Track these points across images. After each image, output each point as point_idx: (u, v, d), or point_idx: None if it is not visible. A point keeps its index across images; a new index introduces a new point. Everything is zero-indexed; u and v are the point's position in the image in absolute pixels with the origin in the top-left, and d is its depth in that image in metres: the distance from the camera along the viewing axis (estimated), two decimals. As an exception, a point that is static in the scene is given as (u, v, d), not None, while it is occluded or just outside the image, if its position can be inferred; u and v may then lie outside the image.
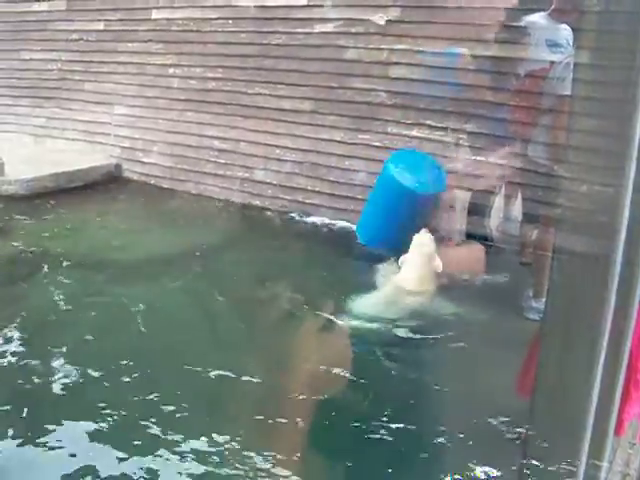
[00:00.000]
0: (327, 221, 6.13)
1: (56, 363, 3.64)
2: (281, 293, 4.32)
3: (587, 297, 1.58)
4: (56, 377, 3.50)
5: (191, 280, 4.95)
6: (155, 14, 7.14)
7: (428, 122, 5.68)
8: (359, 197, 5.97)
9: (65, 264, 5.17)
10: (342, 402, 3.03)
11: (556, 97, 5.00)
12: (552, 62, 4.98)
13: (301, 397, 2.60)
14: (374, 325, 4.14)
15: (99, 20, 7.60)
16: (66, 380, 3.48)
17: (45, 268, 5.15)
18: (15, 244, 5.56)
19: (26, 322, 4.15)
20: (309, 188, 6.26)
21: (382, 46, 5.85)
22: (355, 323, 4.07)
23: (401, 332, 4.09)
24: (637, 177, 1.49)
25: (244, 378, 3.50)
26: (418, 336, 4.06)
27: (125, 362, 3.65)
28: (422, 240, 4.71)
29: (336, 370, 2.72)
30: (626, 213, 1.49)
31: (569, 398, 1.63)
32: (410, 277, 4.60)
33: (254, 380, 3.46)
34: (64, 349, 3.81)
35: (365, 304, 4.37)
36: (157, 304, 4.49)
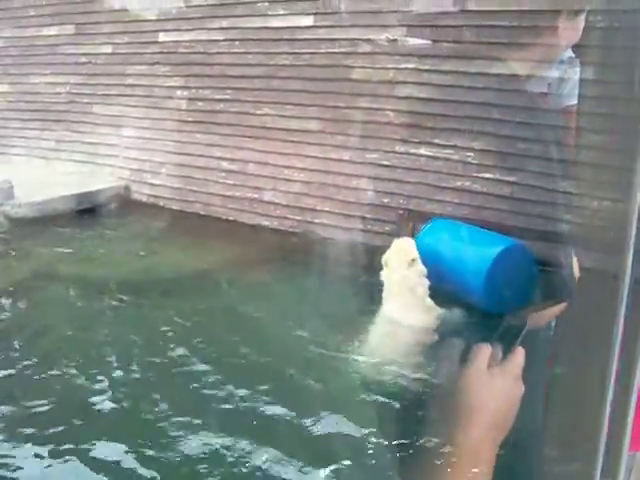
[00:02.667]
0: (337, 240, 6.11)
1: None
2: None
3: (597, 313, 1.56)
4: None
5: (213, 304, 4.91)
6: (162, 37, 7.20)
7: (436, 140, 5.68)
8: (368, 216, 5.97)
9: (73, 286, 5.18)
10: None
11: (557, 110, 5.07)
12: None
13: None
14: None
15: (107, 43, 7.67)
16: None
17: (55, 291, 5.16)
18: (25, 267, 5.58)
19: (36, 349, 4.15)
20: (318, 208, 6.26)
21: (388, 65, 5.87)
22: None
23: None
24: None
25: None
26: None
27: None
28: (401, 246, 4.43)
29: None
30: (633, 230, 1.47)
31: (581, 416, 1.61)
32: (394, 307, 4.19)
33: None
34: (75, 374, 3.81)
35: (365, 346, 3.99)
36: (171, 328, 4.46)
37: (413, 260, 4.35)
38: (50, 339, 4.33)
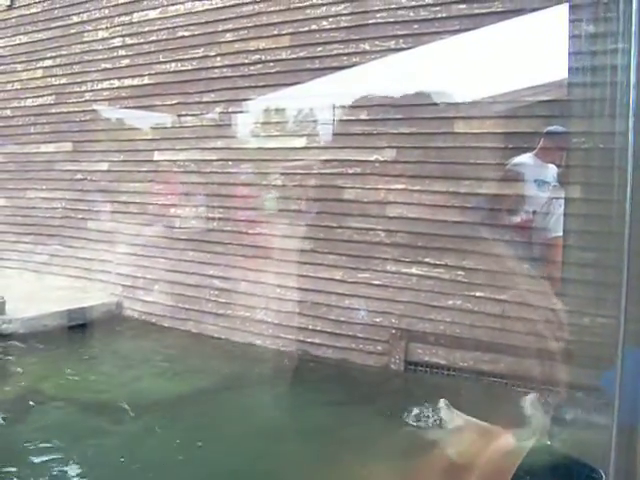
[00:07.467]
0: (330, 359, 6.08)
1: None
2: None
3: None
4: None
5: (192, 429, 4.80)
6: (157, 156, 7.36)
7: (427, 260, 5.73)
8: (360, 335, 5.96)
9: (60, 407, 5.08)
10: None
11: (547, 235, 5.23)
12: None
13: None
14: None
15: (103, 161, 7.83)
16: None
17: (42, 411, 5.06)
18: (11, 385, 5.50)
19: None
20: (310, 327, 6.24)
21: (379, 186, 5.98)
22: None
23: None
24: (630, 307, 1.48)
25: None
26: None
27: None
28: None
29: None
30: (620, 345, 1.46)
31: None
32: None
33: None
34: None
35: None
36: (152, 454, 4.35)
37: None
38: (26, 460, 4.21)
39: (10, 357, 6.20)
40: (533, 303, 5.17)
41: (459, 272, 5.63)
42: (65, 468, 4.08)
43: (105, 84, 7.93)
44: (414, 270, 5.80)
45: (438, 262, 5.70)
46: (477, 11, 5.46)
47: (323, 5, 6.28)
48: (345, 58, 6.16)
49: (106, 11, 7.96)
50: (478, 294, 5.55)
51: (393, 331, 5.84)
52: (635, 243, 1.28)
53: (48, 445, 4.37)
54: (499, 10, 5.34)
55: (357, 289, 6.01)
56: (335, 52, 6.23)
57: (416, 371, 5.76)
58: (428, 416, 4.43)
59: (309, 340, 6.22)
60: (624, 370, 1.26)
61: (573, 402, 4.41)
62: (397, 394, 5.55)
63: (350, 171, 6.09)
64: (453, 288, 5.64)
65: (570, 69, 4.87)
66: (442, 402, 4.08)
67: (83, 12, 8.19)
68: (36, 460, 4.17)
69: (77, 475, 4.00)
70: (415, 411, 4.55)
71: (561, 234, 5.32)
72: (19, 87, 8.84)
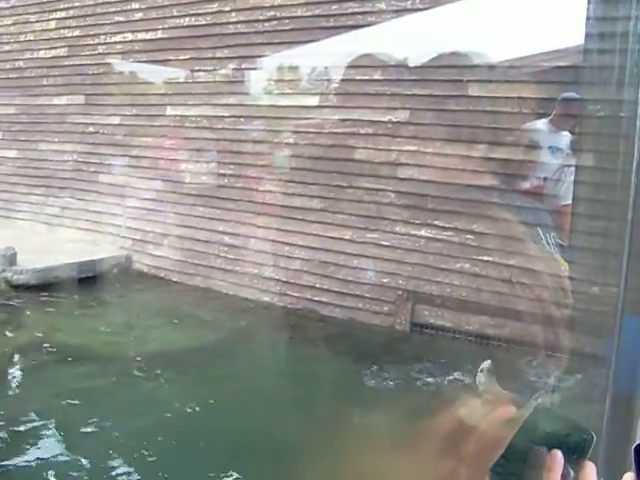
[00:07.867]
0: (336, 319, 6.12)
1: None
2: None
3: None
4: None
5: (195, 382, 4.87)
6: (170, 110, 7.33)
7: (436, 222, 5.73)
8: (367, 295, 5.99)
9: (68, 358, 5.15)
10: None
11: (557, 203, 5.20)
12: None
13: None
14: None
15: (115, 115, 7.81)
16: None
17: (49, 361, 5.13)
18: (22, 335, 5.57)
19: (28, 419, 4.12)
20: (317, 286, 6.28)
21: (391, 147, 5.95)
22: None
23: None
24: (630, 276, 1.48)
25: None
26: None
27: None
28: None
29: None
30: (619, 313, 1.47)
31: None
32: None
33: None
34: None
35: None
36: (158, 406, 4.42)
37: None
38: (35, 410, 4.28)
39: (21, 307, 6.27)
40: (541, 269, 5.16)
41: (468, 236, 5.63)
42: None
43: (118, 37, 7.88)
44: (423, 232, 5.80)
45: (448, 225, 5.70)
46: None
47: (340, -38, 6.20)
48: (360, 17, 6.09)
49: (121, -38, 7.88)
50: (486, 258, 5.55)
51: (400, 292, 5.87)
52: (639, 213, 1.28)
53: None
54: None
55: (366, 249, 6.03)
56: (350, 11, 6.16)
57: (421, 333, 5.80)
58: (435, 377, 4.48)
59: (316, 298, 6.26)
60: (622, 338, 1.27)
61: (576, 368, 4.44)
62: (404, 354, 5.61)
63: (362, 131, 6.07)
64: (462, 252, 5.65)
65: (587, 35, 4.80)
66: (487, 363, 4.07)
67: (97, -37, 8.12)
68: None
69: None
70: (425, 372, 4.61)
71: (570, 202, 5.30)
72: (32, 38, 8.80)
